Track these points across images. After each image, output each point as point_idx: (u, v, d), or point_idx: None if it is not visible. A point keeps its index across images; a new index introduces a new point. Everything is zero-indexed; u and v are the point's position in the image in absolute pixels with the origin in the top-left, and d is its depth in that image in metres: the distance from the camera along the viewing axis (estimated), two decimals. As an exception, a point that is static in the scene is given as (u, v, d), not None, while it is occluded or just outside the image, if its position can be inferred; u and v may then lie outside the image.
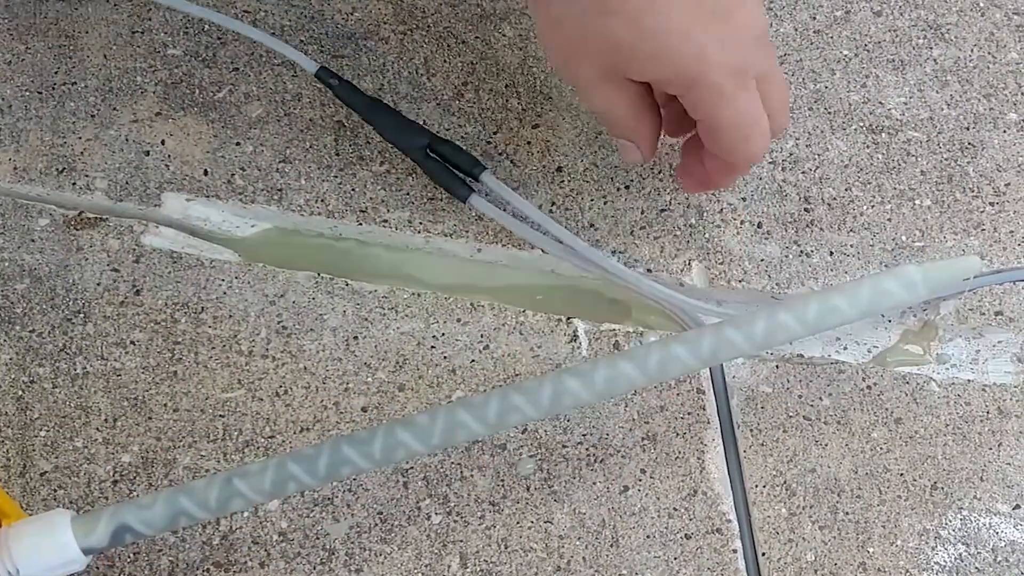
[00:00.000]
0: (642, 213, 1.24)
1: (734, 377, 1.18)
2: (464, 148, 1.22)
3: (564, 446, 1.13)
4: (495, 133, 1.27)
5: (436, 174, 1.21)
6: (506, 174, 1.25)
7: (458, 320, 1.19)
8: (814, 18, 1.37)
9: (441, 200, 1.23)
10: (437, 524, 1.10)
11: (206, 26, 1.33)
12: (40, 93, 1.27)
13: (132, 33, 1.32)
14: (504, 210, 1.20)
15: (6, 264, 1.18)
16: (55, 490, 1.09)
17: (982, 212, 1.26)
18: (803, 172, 1.27)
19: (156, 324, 1.17)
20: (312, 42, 1.32)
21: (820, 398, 1.17)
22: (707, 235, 1.23)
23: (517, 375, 1.16)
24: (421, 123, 1.25)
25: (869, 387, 1.18)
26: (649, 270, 1.21)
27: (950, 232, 1.24)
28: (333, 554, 1.08)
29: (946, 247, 1.23)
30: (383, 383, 1.15)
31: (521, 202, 1.19)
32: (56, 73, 1.29)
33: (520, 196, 1.19)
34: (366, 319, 1.18)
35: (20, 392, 1.13)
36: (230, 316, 1.18)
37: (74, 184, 1.22)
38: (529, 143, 1.27)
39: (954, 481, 1.14)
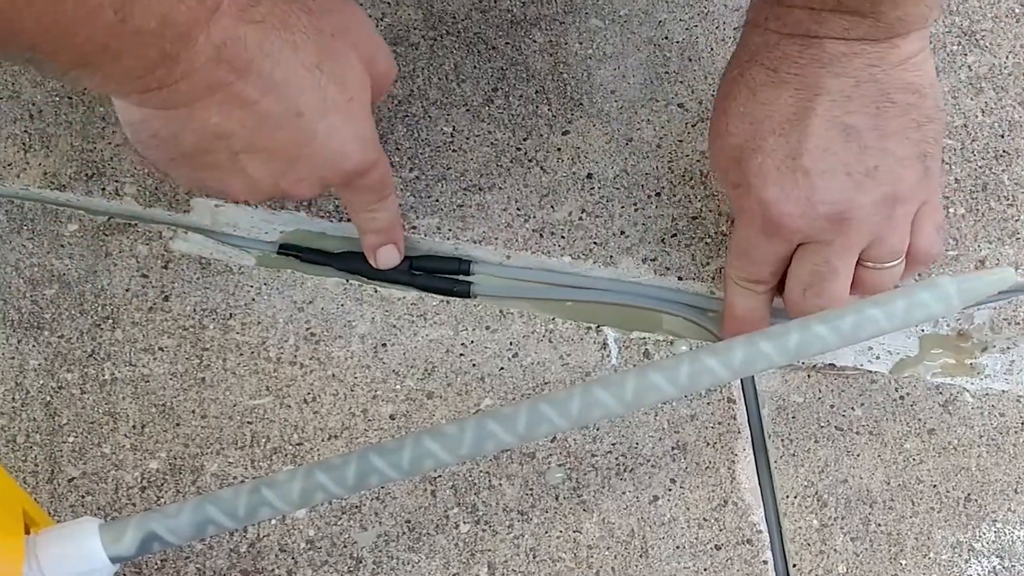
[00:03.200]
0: (673, 220, 1.23)
1: (765, 387, 1.17)
2: (442, 255, 1.23)
3: (593, 455, 1.13)
4: (525, 139, 1.26)
5: (430, 287, 1.22)
6: (536, 181, 1.24)
7: (487, 327, 1.18)
8: (847, 24, 1.36)
9: (471, 207, 1.23)
10: (465, 533, 1.09)
11: (236, 31, 1.32)
12: (70, 99, 1.27)
13: (162, 38, 1.32)
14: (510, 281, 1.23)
15: (36, 269, 1.18)
16: (83, 496, 1.09)
17: (1017, 221, 1.24)
18: (836, 180, 1.26)
19: (184, 330, 1.16)
20: (342, 47, 1.31)
21: (852, 408, 1.16)
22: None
23: (546, 383, 1.16)
24: (450, 131, 1.25)
25: (902, 397, 1.16)
26: (680, 278, 1.20)
27: (984, 241, 1.23)
28: (360, 563, 1.07)
29: (980, 255, 1.22)
30: (411, 391, 1.15)
31: (518, 272, 1.22)
32: (86, 78, 1.29)
33: (514, 266, 1.22)
34: (394, 326, 1.18)
35: (48, 398, 1.13)
36: (258, 322, 1.17)
37: (103, 189, 1.22)
38: (559, 149, 1.26)
39: (988, 493, 1.12)
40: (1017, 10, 1.37)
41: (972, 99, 1.31)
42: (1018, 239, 1.23)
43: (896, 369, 1.19)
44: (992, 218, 1.24)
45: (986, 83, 1.32)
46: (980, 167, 1.27)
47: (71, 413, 1.12)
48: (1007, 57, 1.34)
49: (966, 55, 1.34)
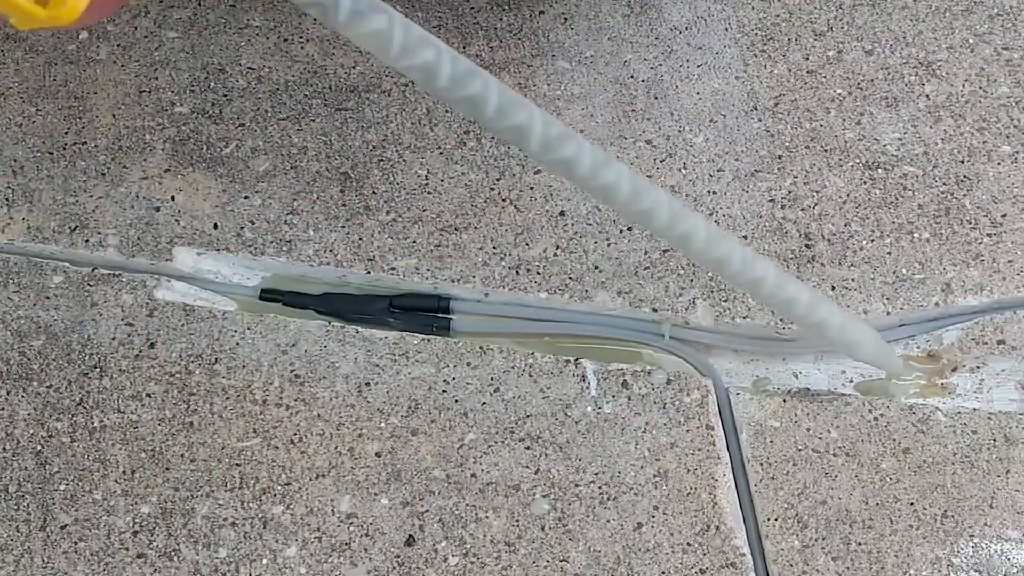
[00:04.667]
0: (646, 254, 1.26)
1: (743, 413, 1.19)
2: (423, 293, 1.25)
3: (577, 485, 1.15)
4: (498, 179, 1.29)
5: (409, 325, 1.24)
6: (510, 219, 1.27)
7: (468, 364, 1.21)
8: (807, 58, 1.40)
9: (448, 247, 1.25)
10: (454, 566, 1.11)
11: (212, 83, 1.35)
12: (51, 153, 1.29)
13: (140, 92, 1.34)
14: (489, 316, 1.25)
15: (23, 321, 1.20)
16: (76, 543, 1.10)
17: (980, 243, 1.27)
18: (802, 209, 1.29)
19: (171, 376, 1.18)
20: (316, 96, 1.34)
21: (828, 431, 1.18)
22: (710, 274, 1.25)
23: (528, 417, 1.18)
24: (425, 174, 1.27)
25: (876, 418, 1.19)
26: (654, 309, 1.23)
27: (949, 264, 1.26)
28: (352, 598, 1.09)
29: (946, 279, 1.25)
30: (396, 428, 1.17)
31: (497, 308, 1.24)
32: (66, 133, 1.31)
33: (492, 303, 1.24)
34: (377, 365, 1.20)
35: (39, 447, 1.14)
36: (243, 366, 1.19)
37: (87, 241, 1.24)
38: (532, 188, 1.29)
39: (964, 509, 1.15)
40: (971, 40, 1.41)
41: (931, 127, 1.35)
42: (982, 261, 1.26)
43: (869, 391, 1.22)
44: (956, 242, 1.28)
45: (944, 111, 1.36)
46: (942, 192, 1.30)
47: (62, 461, 1.13)
48: (963, 85, 1.38)
49: (923, 85, 1.38)
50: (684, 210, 0.94)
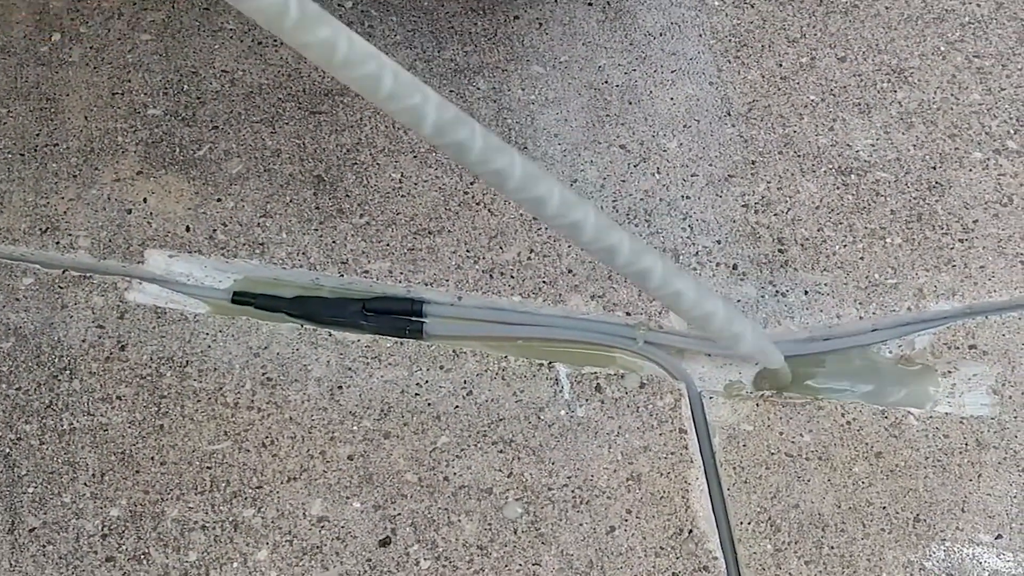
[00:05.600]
0: (619, 258, 1.26)
1: (715, 416, 1.19)
2: (395, 296, 1.25)
3: (550, 489, 1.14)
4: (472, 183, 1.29)
5: (383, 328, 1.24)
6: (484, 223, 1.27)
7: (441, 367, 1.20)
8: (780, 65, 1.40)
9: (421, 251, 1.25)
10: (426, 569, 1.10)
11: (185, 86, 1.35)
12: (22, 155, 1.29)
13: (112, 95, 1.34)
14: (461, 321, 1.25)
15: (-9, 323, 1.19)
16: (44, 546, 1.09)
17: (952, 249, 1.28)
18: (775, 214, 1.29)
19: (142, 379, 1.17)
20: (290, 99, 1.34)
21: (801, 435, 1.18)
22: (684, 278, 1.25)
23: (501, 420, 1.17)
24: (399, 178, 1.27)
25: (848, 422, 1.19)
26: (628, 313, 1.23)
27: (921, 269, 1.26)
28: (323, 602, 1.09)
29: (918, 283, 1.25)
30: (369, 431, 1.16)
31: (470, 312, 1.24)
32: (38, 135, 1.31)
33: (466, 306, 1.24)
34: (350, 368, 1.19)
35: (7, 449, 1.13)
36: (215, 369, 1.19)
37: (58, 243, 1.24)
38: (506, 192, 1.29)
39: (936, 513, 1.15)
40: (943, 47, 1.41)
41: (903, 134, 1.35)
42: (954, 266, 1.26)
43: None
44: (928, 247, 1.28)
45: (916, 118, 1.36)
46: (914, 198, 1.31)
47: (30, 464, 1.13)
48: (935, 92, 1.38)
49: (896, 91, 1.38)
50: (576, 199, 0.94)
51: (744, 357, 1.18)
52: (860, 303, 1.24)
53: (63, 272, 1.23)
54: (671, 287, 1.02)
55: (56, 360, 1.18)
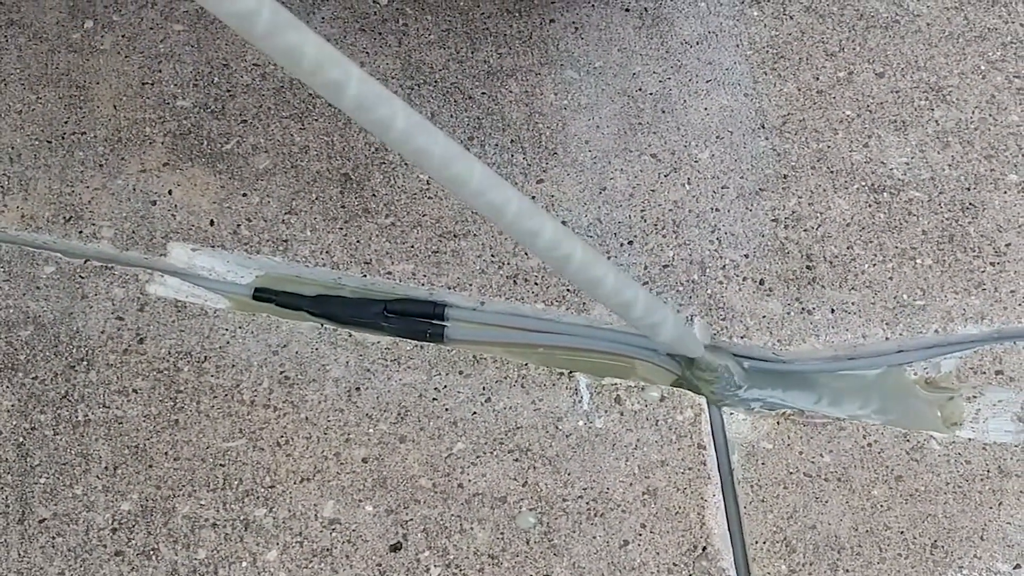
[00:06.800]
0: (645, 268, 1.25)
1: (735, 433, 1.18)
2: (418, 298, 1.24)
3: (564, 500, 1.13)
4: (499, 187, 1.28)
5: (403, 331, 1.23)
6: (510, 228, 1.26)
7: (460, 372, 1.19)
8: (817, 78, 1.38)
9: (446, 254, 1.24)
10: (436, 576, 1.10)
11: (216, 78, 1.34)
12: (49, 142, 1.29)
13: (142, 84, 1.34)
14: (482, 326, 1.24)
15: (11, 311, 1.19)
16: (53, 538, 1.09)
17: (983, 272, 1.26)
18: (805, 230, 1.28)
19: (159, 373, 1.17)
20: (320, 95, 1.33)
21: (821, 455, 1.17)
22: (709, 291, 1.24)
23: (519, 428, 1.16)
24: (426, 179, 1.27)
25: (870, 444, 1.18)
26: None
27: (951, 291, 1.25)
28: (331, 605, 1.08)
29: (947, 306, 1.24)
30: (384, 434, 1.16)
31: (492, 317, 1.23)
32: (66, 123, 1.30)
33: (488, 311, 1.23)
34: (368, 370, 1.19)
35: (21, 438, 1.13)
36: (233, 366, 1.18)
37: (81, 232, 1.23)
38: (534, 198, 1.28)
39: (954, 540, 1.13)
40: (983, 67, 1.40)
41: (939, 153, 1.33)
42: (984, 290, 1.25)
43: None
44: (959, 269, 1.26)
45: (953, 137, 1.35)
46: (947, 219, 1.29)
47: (43, 454, 1.12)
48: (973, 112, 1.36)
49: (933, 110, 1.37)
50: (498, 180, 0.94)
51: (664, 346, 1.18)
52: (887, 323, 1.23)
53: (85, 262, 1.22)
54: (590, 273, 1.02)
55: (74, 350, 1.17)
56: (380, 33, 1.38)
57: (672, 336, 1.12)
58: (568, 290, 1.23)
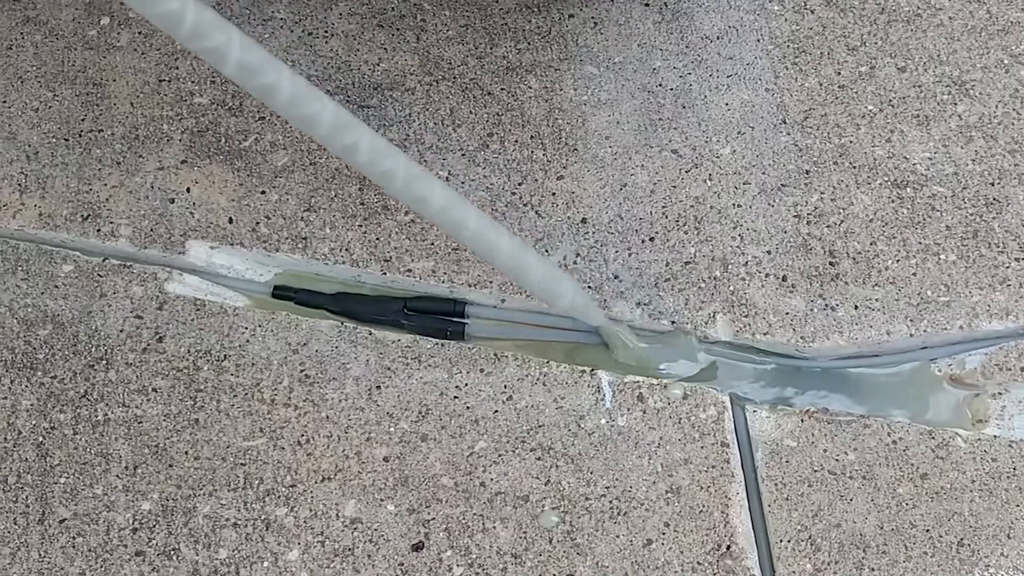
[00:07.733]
0: (667, 265, 1.24)
1: (759, 431, 1.17)
2: (439, 296, 1.23)
3: (587, 499, 1.12)
4: (520, 184, 1.27)
5: (424, 328, 1.22)
6: (531, 225, 1.25)
7: (481, 370, 1.18)
8: (839, 73, 1.37)
9: (465, 250, 1.23)
10: (459, 576, 1.09)
11: (232, 75, 1.34)
12: (67, 140, 1.28)
13: (159, 81, 1.33)
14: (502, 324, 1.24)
15: (29, 310, 1.18)
16: (74, 538, 1.08)
17: (1008, 268, 1.25)
18: (828, 226, 1.27)
19: (178, 371, 1.16)
20: (339, 92, 1.32)
21: (845, 452, 1.16)
22: (732, 288, 1.23)
23: (540, 427, 1.15)
24: (446, 176, 1.26)
25: (894, 442, 1.16)
26: (673, 322, 1.21)
27: (975, 287, 1.24)
28: (353, 605, 1.07)
29: (972, 302, 1.22)
30: (405, 433, 1.15)
31: (513, 315, 1.23)
32: (83, 120, 1.30)
33: (509, 309, 1.23)
34: (389, 368, 1.18)
35: (40, 438, 1.12)
36: (253, 364, 1.17)
37: (99, 231, 1.23)
38: (554, 194, 1.27)
39: (981, 538, 1.12)
40: (1006, 60, 1.38)
41: (962, 148, 1.32)
42: (1008, 286, 1.24)
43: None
44: (983, 265, 1.25)
45: (976, 132, 1.33)
46: (971, 215, 1.28)
47: (63, 454, 1.12)
48: (996, 107, 1.35)
49: (956, 104, 1.35)
50: (389, 148, 0.94)
51: (565, 314, 1.18)
52: (911, 320, 1.22)
53: (103, 260, 1.22)
54: (486, 240, 1.01)
55: (93, 349, 1.17)
56: (398, 29, 1.37)
57: (571, 305, 1.13)
58: (589, 287, 1.22)
